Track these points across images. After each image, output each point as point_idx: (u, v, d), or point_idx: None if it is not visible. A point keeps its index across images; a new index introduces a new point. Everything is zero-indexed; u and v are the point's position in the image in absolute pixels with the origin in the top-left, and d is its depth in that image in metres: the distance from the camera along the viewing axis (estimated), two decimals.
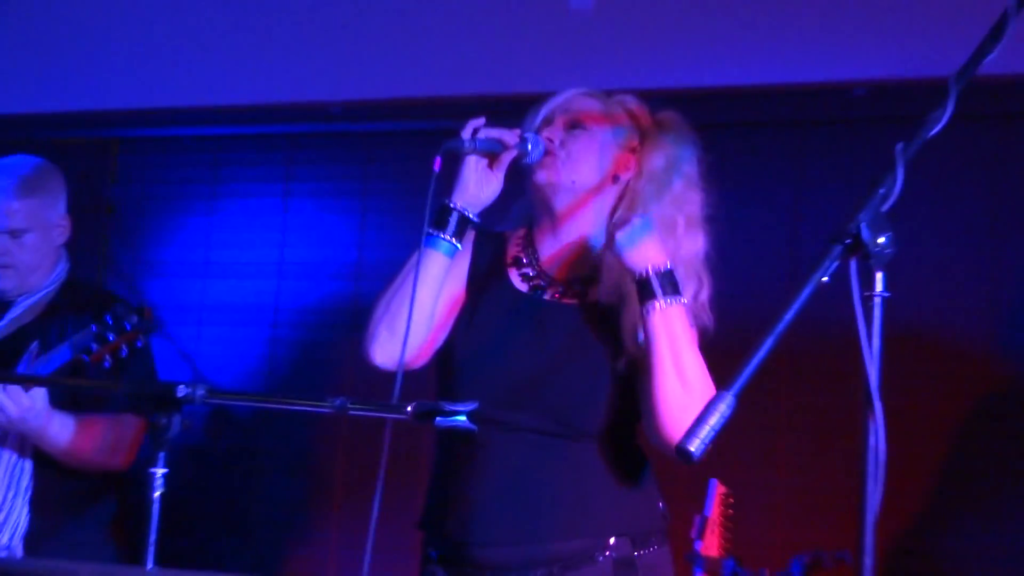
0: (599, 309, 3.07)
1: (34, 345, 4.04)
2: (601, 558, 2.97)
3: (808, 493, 4.78)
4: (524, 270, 3.18)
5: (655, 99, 3.26)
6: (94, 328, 3.83)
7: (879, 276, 2.03)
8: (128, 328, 3.80)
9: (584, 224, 3.16)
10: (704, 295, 3.06)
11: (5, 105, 5.91)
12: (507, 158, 3.08)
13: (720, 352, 2.82)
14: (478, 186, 3.08)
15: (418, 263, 2.98)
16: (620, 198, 3.15)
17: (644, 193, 3.08)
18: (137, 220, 5.87)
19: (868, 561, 2.03)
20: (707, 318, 3.06)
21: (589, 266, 3.13)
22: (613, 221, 3.10)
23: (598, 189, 3.13)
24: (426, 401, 2.52)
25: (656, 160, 3.12)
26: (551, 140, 3.10)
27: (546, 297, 3.11)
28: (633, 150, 3.17)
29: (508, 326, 3.05)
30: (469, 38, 5.29)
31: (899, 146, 2.08)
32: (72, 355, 3.81)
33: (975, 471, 4.56)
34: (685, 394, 2.82)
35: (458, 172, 3.07)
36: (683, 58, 4.94)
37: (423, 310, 3.02)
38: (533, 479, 2.95)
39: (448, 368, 3.10)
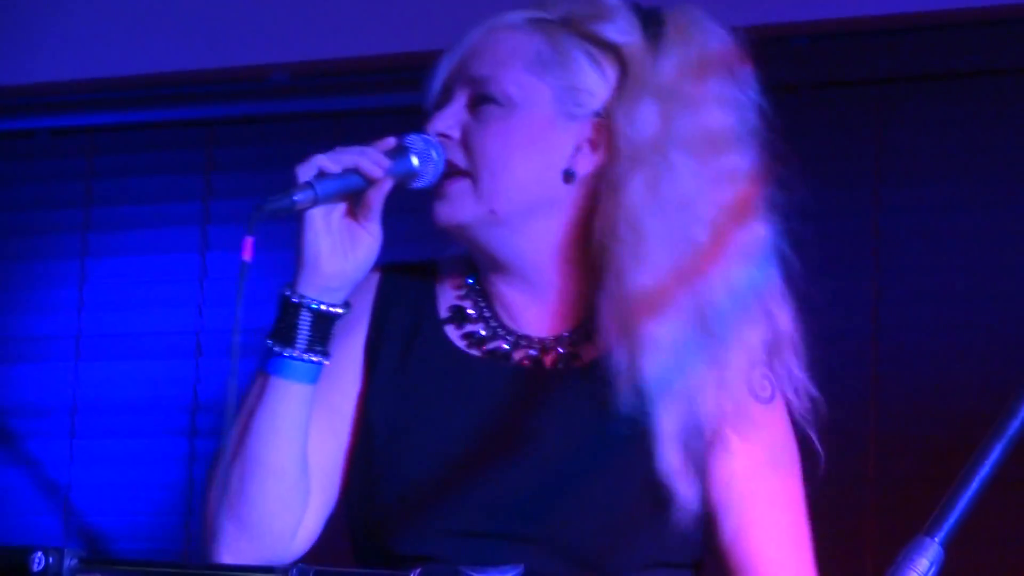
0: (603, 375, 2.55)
1: None
2: None
3: None
4: (471, 328, 2.60)
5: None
6: None
7: None
8: None
9: (544, 259, 2.55)
10: (796, 358, 2.49)
11: None
12: (376, 198, 2.46)
13: None
14: (336, 255, 2.47)
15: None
16: (590, 199, 2.52)
17: (632, 188, 2.45)
18: None
19: None
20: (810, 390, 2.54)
21: (576, 315, 2.56)
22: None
23: (546, 204, 2.51)
24: (442, 567, 2.11)
25: (646, 108, 2.46)
26: (448, 138, 2.50)
27: (517, 359, 2.52)
28: (599, 115, 2.50)
29: (468, 420, 2.52)
30: None
31: None
32: None
33: None
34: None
35: (299, 240, 2.47)
36: None
37: (284, 479, 2.48)
38: None
39: (380, 510, 2.55)
